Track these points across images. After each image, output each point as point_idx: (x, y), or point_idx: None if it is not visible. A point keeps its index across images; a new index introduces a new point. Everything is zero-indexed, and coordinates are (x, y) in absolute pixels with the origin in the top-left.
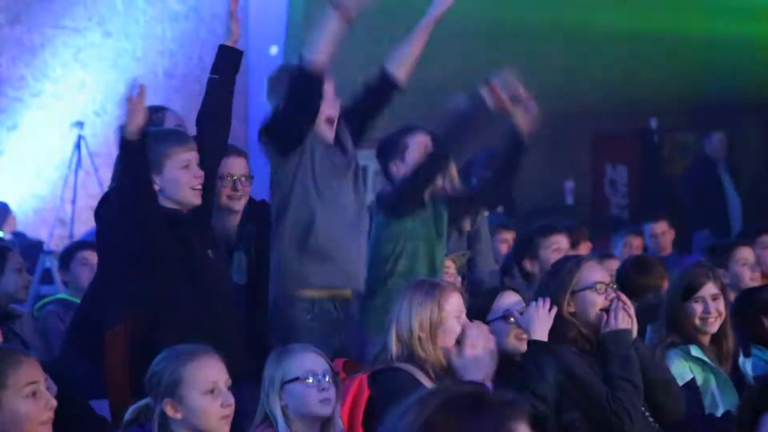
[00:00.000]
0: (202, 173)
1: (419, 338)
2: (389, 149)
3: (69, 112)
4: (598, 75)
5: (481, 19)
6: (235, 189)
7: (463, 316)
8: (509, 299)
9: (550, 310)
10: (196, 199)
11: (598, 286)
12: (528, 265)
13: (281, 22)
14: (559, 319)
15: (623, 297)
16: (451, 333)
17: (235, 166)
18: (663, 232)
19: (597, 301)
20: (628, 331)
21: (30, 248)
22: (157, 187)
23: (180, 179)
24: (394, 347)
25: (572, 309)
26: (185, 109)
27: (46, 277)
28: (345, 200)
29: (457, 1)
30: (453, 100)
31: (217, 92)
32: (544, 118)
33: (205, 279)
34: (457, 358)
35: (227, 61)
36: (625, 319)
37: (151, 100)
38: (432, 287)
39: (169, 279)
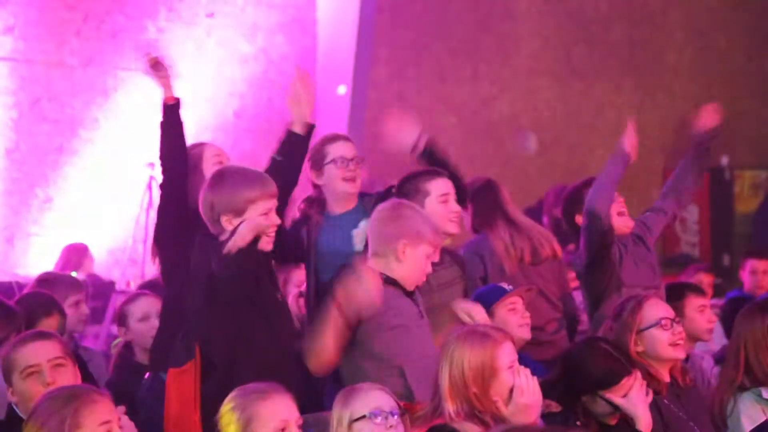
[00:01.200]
0: (279, 221)
1: (475, 394)
2: (409, 193)
3: (141, 153)
4: (668, 111)
5: (548, 56)
6: (349, 170)
7: (516, 365)
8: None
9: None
10: (268, 246)
11: (663, 322)
12: (579, 219)
13: (349, 61)
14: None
15: None
16: (505, 385)
17: (346, 149)
18: (765, 270)
19: (663, 337)
20: None
21: (103, 288)
22: (232, 229)
23: None
24: (450, 403)
25: (640, 348)
26: (255, 150)
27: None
28: None
29: (529, 41)
30: (520, 137)
31: (279, 172)
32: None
33: (277, 321)
34: (507, 406)
35: (293, 147)
36: None
37: (222, 140)
38: (483, 338)
39: (246, 320)
